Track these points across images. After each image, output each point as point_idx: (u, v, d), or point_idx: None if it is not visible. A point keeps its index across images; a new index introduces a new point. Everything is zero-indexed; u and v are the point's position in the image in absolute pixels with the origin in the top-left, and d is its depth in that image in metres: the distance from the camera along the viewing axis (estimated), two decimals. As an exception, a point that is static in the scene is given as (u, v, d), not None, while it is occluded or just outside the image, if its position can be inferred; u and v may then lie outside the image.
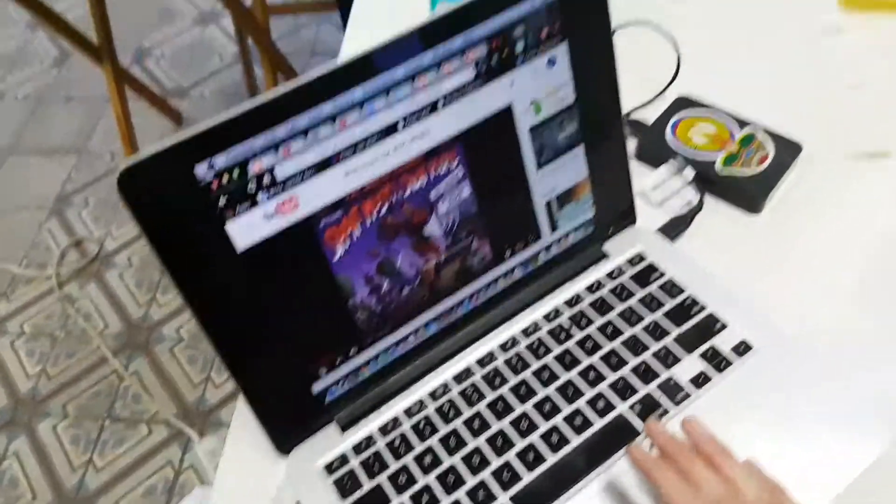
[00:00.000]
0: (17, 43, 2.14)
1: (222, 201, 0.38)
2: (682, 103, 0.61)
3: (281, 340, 0.42)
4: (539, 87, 0.45)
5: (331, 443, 0.45)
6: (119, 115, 1.57)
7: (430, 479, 0.42)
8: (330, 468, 0.44)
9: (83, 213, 1.67)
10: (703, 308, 0.48)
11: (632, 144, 0.60)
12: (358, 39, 0.74)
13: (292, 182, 0.39)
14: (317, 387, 0.45)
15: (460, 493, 0.42)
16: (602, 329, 0.48)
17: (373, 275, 0.44)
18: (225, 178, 0.37)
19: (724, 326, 0.47)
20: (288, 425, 0.45)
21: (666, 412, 0.44)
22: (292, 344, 0.43)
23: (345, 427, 0.46)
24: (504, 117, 0.45)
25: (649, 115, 0.61)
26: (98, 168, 1.77)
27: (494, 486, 0.42)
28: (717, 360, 0.46)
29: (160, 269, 1.51)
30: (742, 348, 0.46)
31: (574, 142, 0.49)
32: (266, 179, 0.38)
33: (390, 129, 0.41)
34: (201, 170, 0.36)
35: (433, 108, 0.42)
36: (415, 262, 0.46)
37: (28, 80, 2.03)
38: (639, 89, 0.63)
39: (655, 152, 0.58)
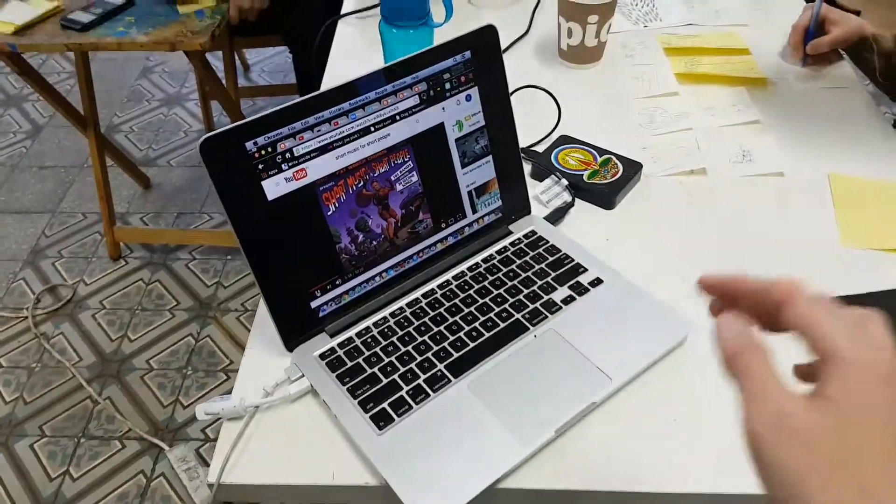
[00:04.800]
0: (-9, 117, 2.32)
1: (260, 166, 0.60)
2: (563, 140, 0.88)
3: (292, 267, 0.64)
4: (460, 112, 0.70)
5: (322, 343, 0.66)
6: (98, 178, 1.76)
7: (392, 359, 0.64)
8: (322, 356, 0.64)
9: (57, 264, 1.82)
10: (572, 260, 0.72)
11: (529, 166, 0.85)
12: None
13: (303, 159, 0.62)
14: (314, 304, 0.66)
15: (412, 365, 0.63)
16: (506, 275, 0.71)
17: (353, 228, 0.66)
18: (263, 152, 0.60)
19: (585, 270, 0.71)
20: (293, 329, 0.65)
21: (546, 318, 0.66)
22: (299, 270, 0.64)
23: (332, 335, 0.67)
24: (438, 130, 0.70)
25: (540, 148, 0.87)
26: (71, 226, 1.93)
27: (435, 362, 0.63)
28: (579, 289, 0.69)
29: (130, 311, 1.67)
30: (595, 282, 0.70)
31: (486, 152, 0.74)
32: (287, 155, 0.61)
33: (365, 131, 0.65)
34: (249, 144, 0.59)
35: (393, 119, 0.66)
36: (380, 223, 0.68)
37: (2, 150, 2.20)
38: (534, 131, 0.90)
39: (544, 171, 0.83)
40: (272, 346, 0.66)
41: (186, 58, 1.48)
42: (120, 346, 1.60)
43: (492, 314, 0.68)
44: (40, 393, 1.50)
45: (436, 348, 0.65)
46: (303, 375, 0.63)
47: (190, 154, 2.17)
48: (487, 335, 0.66)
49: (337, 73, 1.03)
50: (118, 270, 1.79)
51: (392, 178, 0.68)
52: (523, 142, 0.84)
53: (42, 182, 2.07)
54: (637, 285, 0.70)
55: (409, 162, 0.68)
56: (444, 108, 0.69)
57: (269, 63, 2.49)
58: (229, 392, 0.64)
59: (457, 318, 0.67)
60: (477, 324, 0.67)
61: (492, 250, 0.75)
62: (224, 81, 1.74)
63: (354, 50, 1.09)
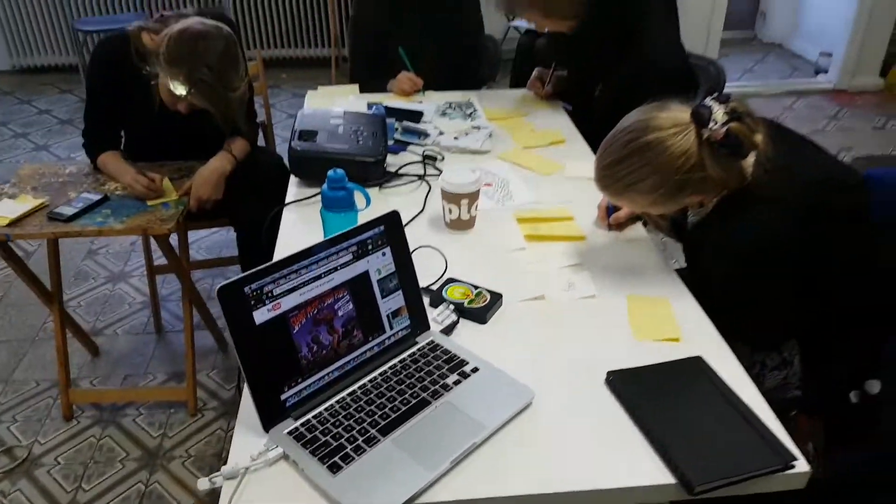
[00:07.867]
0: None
1: (252, 302, 0.93)
2: (450, 280, 1.26)
3: (270, 369, 0.95)
4: (379, 263, 1.07)
5: (290, 423, 0.95)
6: (59, 346, 1.99)
7: (339, 430, 0.94)
8: (290, 433, 0.94)
9: (11, 427, 1.96)
10: (458, 357, 1.07)
11: (428, 298, 1.22)
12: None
13: (279, 296, 0.96)
14: (283, 396, 0.97)
15: (354, 432, 0.94)
16: (416, 369, 1.05)
17: (310, 342, 0.99)
18: (254, 293, 0.94)
19: (467, 363, 1.06)
20: (269, 416, 0.95)
21: (442, 394, 1.00)
22: (274, 372, 0.96)
23: (296, 418, 0.97)
24: (365, 275, 1.06)
25: (435, 286, 1.25)
26: (24, 393, 2.10)
27: (369, 427, 0.94)
28: (464, 375, 1.03)
29: (84, 464, 1.83)
30: (474, 370, 1.04)
31: (397, 288, 1.10)
32: (270, 294, 0.95)
33: (318, 277, 1.00)
34: (246, 289, 0.93)
35: (335, 269, 1.02)
36: (328, 338, 1.01)
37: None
38: (431, 274, 1.28)
39: (438, 300, 1.20)
40: (253, 429, 0.95)
41: (140, 240, 1.81)
42: (75, 496, 1.75)
43: (406, 395, 1.00)
44: (-3, 549, 1.61)
45: (368, 420, 0.96)
46: (277, 446, 0.93)
47: (134, 323, 2.42)
48: (404, 409, 0.98)
49: (288, 245, 1.40)
50: (71, 430, 1.96)
51: (336, 307, 1.02)
52: (423, 282, 1.22)
53: (-6, 355, 2.24)
54: (501, 370, 1.05)
55: (346, 296, 1.04)
56: (368, 261, 1.06)
57: (207, 241, 2.84)
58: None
59: (383, 399, 1.00)
60: (397, 402, 0.99)
61: (404, 355, 1.08)
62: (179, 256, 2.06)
63: (297, 228, 1.46)
